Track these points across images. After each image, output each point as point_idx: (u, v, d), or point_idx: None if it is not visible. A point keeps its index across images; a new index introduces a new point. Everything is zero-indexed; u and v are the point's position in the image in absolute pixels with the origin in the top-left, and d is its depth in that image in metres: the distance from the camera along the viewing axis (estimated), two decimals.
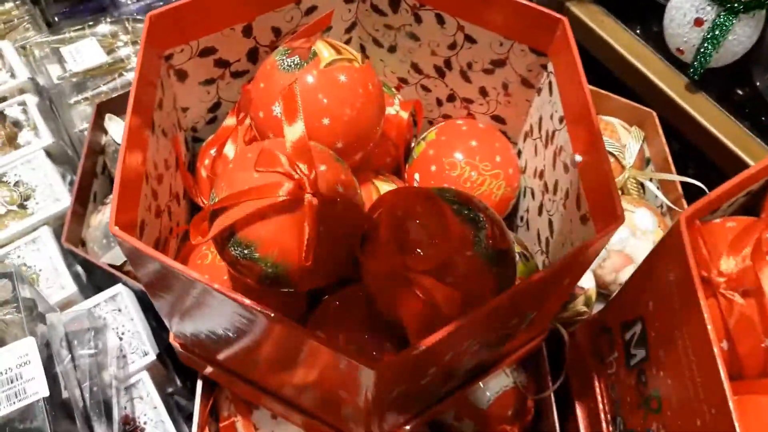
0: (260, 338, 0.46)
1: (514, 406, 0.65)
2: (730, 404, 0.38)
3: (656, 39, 0.92)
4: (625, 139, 0.81)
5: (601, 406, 0.58)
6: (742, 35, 0.82)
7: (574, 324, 0.68)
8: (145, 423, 0.64)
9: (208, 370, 0.62)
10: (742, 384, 0.45)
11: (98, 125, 0.84)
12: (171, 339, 0.61)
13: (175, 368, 0.73)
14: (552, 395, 0.64)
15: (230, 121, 0.65)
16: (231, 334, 0.49)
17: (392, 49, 0.69)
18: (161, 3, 1.09)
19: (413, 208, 0.46)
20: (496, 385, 0.64)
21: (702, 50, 0.83)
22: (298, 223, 0.44)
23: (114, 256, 0.74)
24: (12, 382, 0.48)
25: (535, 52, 0.59)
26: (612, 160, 0.80)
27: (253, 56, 0.64)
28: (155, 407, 0.65)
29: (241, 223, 0.45)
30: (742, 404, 0.43)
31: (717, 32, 0.82)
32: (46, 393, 0.48)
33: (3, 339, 0.51)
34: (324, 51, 0.55)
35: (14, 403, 0.48)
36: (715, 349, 0.40)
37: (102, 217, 0.78)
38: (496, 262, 0.45)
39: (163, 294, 0.49)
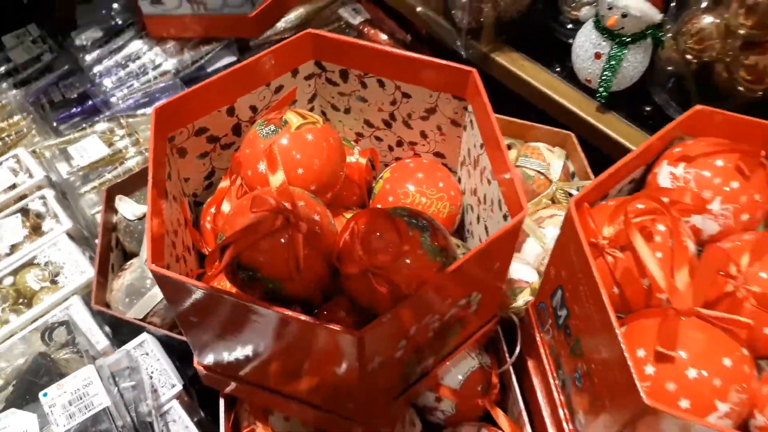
0: (273, 336, 0.60)
1: (482, 383, 0.79)
2: (614, 325, 0.53)
3: (568, 73, 1.10)
4: (550, 159, 0.98)
5: (547, 365, 0.72)
6: (634, 61, 1.00)
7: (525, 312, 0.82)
8: None
9: (230, 387, 0.75)
10: (630, 316, 0.60)
11: (109, 207, 0.99)
12: (195, 364, 0.75)
13: (199, 401, 0.86)
14: (511, 369, 0.78)
15: (224, 183, 0.80)
16: (251, 344, 0.63)
17: (347, 111, 0.85)
18: (146, 99, 1.26)
19: (373, 223, 0.61)
20: (464, 367, 0.78)
21: (603, 78, 1.01)
22: (289, 246, 0.59)
23: (138, 311, 0.88)
24: (81, 399, 0.62)
25: (457, 98, 0.76)
26: (541, 176, 0.97)
27: (237, 130, 0.80)
28: (186, 427, 0.78)
29: (245, 252, 0.60)
30: (630, 328, 0.58)
31: (613, 62, 1.00)
32: (109, 403, 0.62)
33: (66, 373, 0.65)
34: (293, 118, 0.71)
35: (85, 413, 0.61)
36: (602, 291, 0.55)
37: (122, 280, 0.92)
38: (439, 254, 0.60)
39: (195, 318, 0.63)
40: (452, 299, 0.63)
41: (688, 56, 1.01)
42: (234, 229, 0.61)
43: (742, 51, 0.92)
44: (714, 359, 0.54)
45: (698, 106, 0.69)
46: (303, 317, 0.54)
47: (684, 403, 0.53)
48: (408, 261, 0.58)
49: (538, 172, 0.97)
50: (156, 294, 0.86)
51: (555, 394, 0.71)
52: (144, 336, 0.86)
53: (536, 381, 0.75)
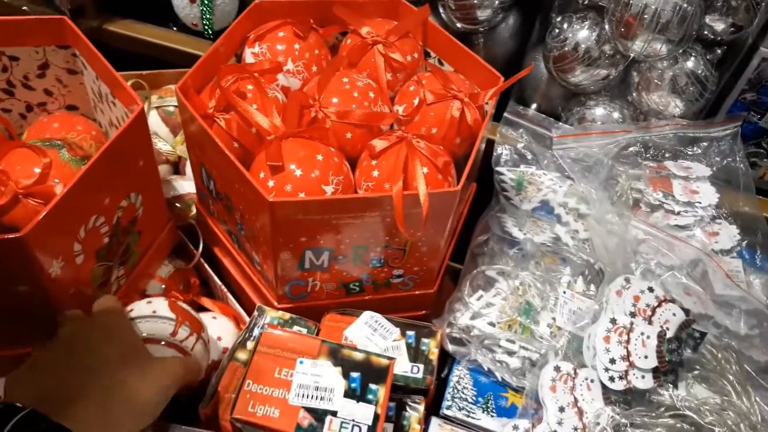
0: None
1: (182, 282, 0.90)
2: (236, 164, 0.69)
3: (180, 25, 1.23)
4: None
5: (222, 237, 0.87)
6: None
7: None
8: None
9: None
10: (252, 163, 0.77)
11: None
12: None
13: None
14: (204, 262, 0.91)
15: None
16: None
17: None
18: None
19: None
20: (162, 272, 0.89)
21: (204, 18, 1.17)
22: None
23: None
24: None
25: (62, 47, 0.84)
26: None
27: None
28: None
29: None
30: (252, 164, 0.74)
31: (206, 2, 1.16)
32: None
33: None
34: None
35: None
36: (221, 145, 0.70)
37: None
38: (81, 162, 0.70)
39: None
40: (110, 200, 0.73)
41: None
42: None
43: None
44: (310, 159, 0.72)
45: (257, 0, 0.87)
46: None
47: (302, 195, 0.71)
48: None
49: (176, 107, 1.09)
50: None
51: (236, 256, 0.86)
52: None
53: (221, 256, 0.89)
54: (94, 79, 0.84)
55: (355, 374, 0.66)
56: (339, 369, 0.66)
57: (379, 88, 0.83)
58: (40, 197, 0.68)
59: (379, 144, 0.76)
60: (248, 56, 0.85)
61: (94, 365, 0.60)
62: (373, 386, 0.65)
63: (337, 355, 0.68)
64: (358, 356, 0.69)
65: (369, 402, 0.64)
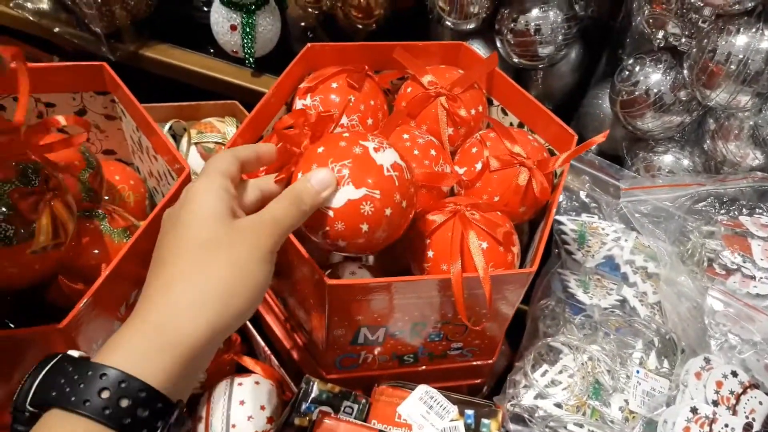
0: None
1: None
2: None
3: (219, 50, 1.17)
4: (223, 128, 1.06)
5: (269, 298, 0.81)
6: (267, 25, 1.11)
7: None
8: None
9: None
10: None
11: None
12: None
13: None
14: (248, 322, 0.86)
15: None
16: None
17: None
18: None
19: None
20: None
21: (245, 46, 1.11)
22: None
23: None
24: None
25: (101, 93, 0.79)
26: (221, 146, 1.04)
27: None
28: None
29: None
30: None
31: (248, 30, 1.09)
32: None
33: None
34: None
35: None
36: None
37: None
38: (124, 235, 0.64)
39: None
40: None
41: (309, 9, 1.15)
42: None
43: None
44: None
45: (309, 44, 0.81)
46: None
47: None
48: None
49: (217, 143, 1.04)
50: None
51: (281, 315, 0.80)
52: None
53: (264, 312, 0.84)
54: (134, 129, 0.79)
55: None
56: None
57: (441, 146, 0.76)
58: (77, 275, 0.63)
59: (430, 220, 0.69)
60: (298, 106, 0.79)
61: None
62: None
63: None
64: None
65: None
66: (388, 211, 0.57)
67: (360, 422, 0.69)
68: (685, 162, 0.98)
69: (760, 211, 0.93)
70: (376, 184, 0.56)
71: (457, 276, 0.64)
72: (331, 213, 0.56)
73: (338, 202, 0.56)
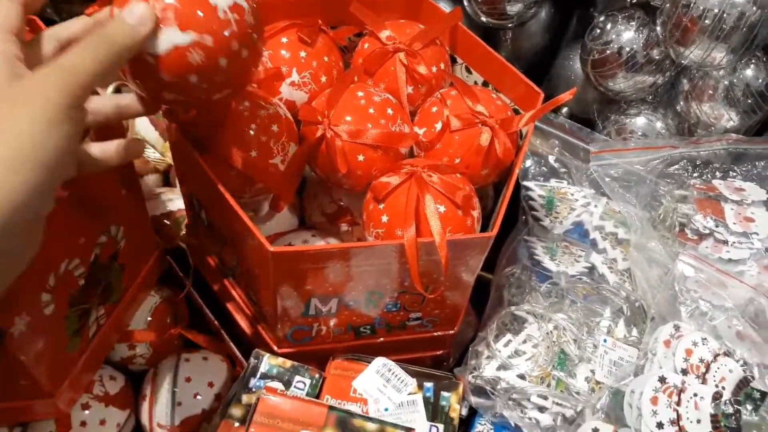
0: None
1: (170, 314, 0.80)
2: (232, 202, 0.58)
3: None
4: None
5: (216, 268, 0.76)
6: None
7: None
8: None
9: None
10: None
11: None
12: None
13: None
14: (194, 291, 0.81)
15: None
16: None
17: None
18: None
19: None
20: (147, 305, 0.79)
21: None
22: None
23: None
24: None
25: None
26: None
27: None
28: None
29: None
30: None
31: None
32: None
33: None
34: None
35: None
36: (226, 195, 0.59)
37: None
38: None
39: None
40: (85, 239, 0.62)
41: None
42: None
43: None
44: None
45: None
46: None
47: None
48: None
49: None
50: None
51: (230, 288, 0.76)
52: None
53: (214, 284, 0.79)
54: None
55: None
56: None
57: (399, 104, 0.71)
58: None
59: (385, 183, 0.65)
60: None
61: None
62: None
63: (346, 426, 0.59)
64: (372, 428, 0.59)
65: None
66: (223, 62, 0.48)
67: (310, 398, 0.65)
68: (658, 124, 0.94)
69: (734, 174, 0.90)
70: (206, 27, 0.46)
71: (411, 241, 0.59)
72: (151, 60, 0.46)
73: (161, 47, 0.46)
